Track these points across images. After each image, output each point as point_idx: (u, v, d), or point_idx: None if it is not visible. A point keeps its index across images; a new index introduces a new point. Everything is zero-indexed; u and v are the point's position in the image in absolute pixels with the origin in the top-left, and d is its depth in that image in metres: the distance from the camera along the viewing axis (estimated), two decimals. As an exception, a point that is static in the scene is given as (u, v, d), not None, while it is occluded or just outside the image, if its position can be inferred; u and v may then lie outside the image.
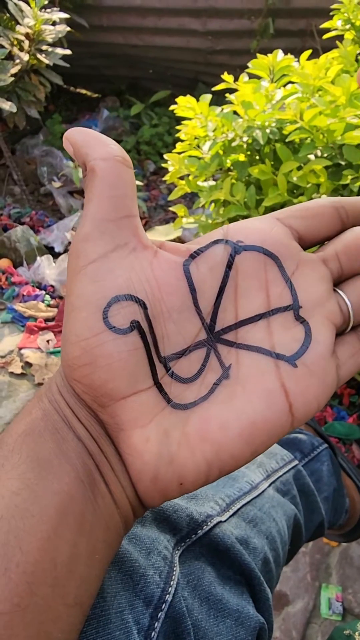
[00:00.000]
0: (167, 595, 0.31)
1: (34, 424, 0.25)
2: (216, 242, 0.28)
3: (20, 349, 1.71)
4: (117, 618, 0.28)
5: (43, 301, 1.93)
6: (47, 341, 1.72)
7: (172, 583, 0.32)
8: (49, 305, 1.92)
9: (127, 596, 0.30)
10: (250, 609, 0.36)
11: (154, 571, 0.32)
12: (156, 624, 0.30)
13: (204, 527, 0.38)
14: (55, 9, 2.09)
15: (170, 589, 0.32)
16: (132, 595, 0.30)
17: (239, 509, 0.43)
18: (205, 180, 1.11)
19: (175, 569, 0.33)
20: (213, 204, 1.11)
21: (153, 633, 0.30)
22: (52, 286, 1.99)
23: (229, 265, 0.27)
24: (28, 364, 1.65)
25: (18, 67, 1.92)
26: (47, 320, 1.83)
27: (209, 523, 0.38)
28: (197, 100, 1.06)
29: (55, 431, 0.25)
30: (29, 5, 1.95)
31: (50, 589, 0.22)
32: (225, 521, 0.40)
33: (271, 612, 0.39)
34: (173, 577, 0.33)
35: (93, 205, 0.26)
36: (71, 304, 0.26)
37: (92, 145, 0.27)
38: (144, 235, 0.27)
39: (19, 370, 1.61)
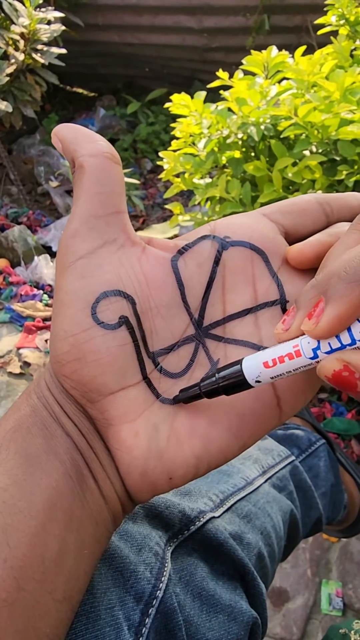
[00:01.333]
0: (158, 591, 0.31)
1: (22, 420, 0.25)
2: (203, 237, 0.28)
3: (18, 348, 1.71)
4: (107, 614, 0.28)
5: (41, 301, 1.93)
6: (46, 340, 1.72)
7: (163, 579, 0.32)
8: (46, 305, 1.91)
9: (118, 592, 0.30)
10: (243, 604, 0.36)
11: (145, 567, 0.32)
12: (147, 620, 0.30)
13: (197, 523, 0.38)
14: (50, 8, 2.08)
15: (161, 584, 0.32)
16: (123, 592, 0.30)
17: (233, 505, 0.43)
18: (200, 178, 1.11)
19: (166, 565, 0.33)
20: (209, 202, 1.11)
21: (144, 629, 0.30)
22: (49, 285, 1.99)
23: (217, 261, 0.28)
24: (26, 364, 1.65)
25: (13, 67, 1.92)
26: (45, 319, 1.83)
27: (202, 519, 0.38)
28: (193, 97, 1.06)
29: (43, 427, 0.25)
30: (23, 4, 1.95)
31: (38, 584, 0.22)
32: (218, 517, 0.40)
33: (265, 607, 0.39)
34: (164, 573, 0.33)
35: (81, 201, 0.26)
36: (60, 299, 0.26)
37: (81, 142, 0.27)
38: (132, 232, 0.27)
39: (17, 370, 1.61)
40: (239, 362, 0.24)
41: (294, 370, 0.23)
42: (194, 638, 0.33)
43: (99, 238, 0.26)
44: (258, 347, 0.27)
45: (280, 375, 0.23)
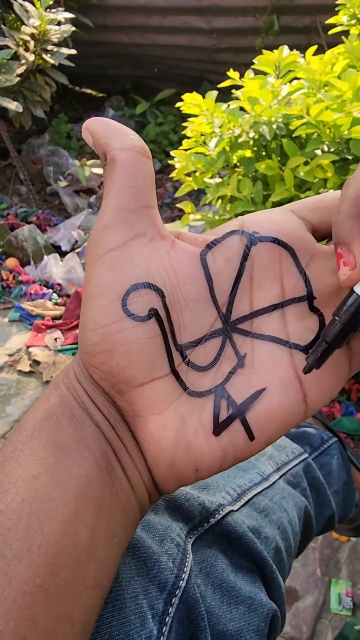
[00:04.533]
0: (181, 581, 0.32)
1: (52, 410, 0.26)
2: (232, 232, 0.28)
3: (28, 347, 1.72)
4: (132, 602, 0.29)
5: (50, 299, 1.94)
6: (55, 339, 1.73)
7: (185, 569, 0.33)
8: (56, 304, 1.92)
9: (142, 582, 0.30)
10: (262, 596, 0.37)
11: (168, 558, 0.32)
12: (170, 609, 0.31)
13: (216, 516, 0.38)
14: (60, 9, 2.10)
15: (183, 575, 0.32)
16: (146, 581, 0.31)
17: (250, 499, 0.44)
18: (212, 177, 1.11)
19: (188, 556, 0.34)
20: (220, 200, 1.11)
21: (167, 618, 0.30)
22: (59, 284, 2.00)
23: (245, 256, 0.28)
24: (36, 362, 1.66)
25: (24, 68, 1.93)
26: (54, 318, 1.84)
27: (221, 512, 0.39)
28: (203, 97, 1.06)
29: (72, 417, 0.26)
30: (34, 5, 1.96)
31: (70, 570, 0.22)
32: (236, 510, 0.41)
33: (284, 600, 0.39)
34: (186, 563, 0.33)
35: (113, 194, 0.26)
36: (90, 291, 0.26)
37: (113, 136, 0.27)
38: (162, 226, 0.28)
39: (27, 369, 1.62)
40: (349, 294, 0.25)
41: None
42: (216, 629, 0.33)
43: (130, 231, 0.26)
44: (285, 343, 0.27)
45: None
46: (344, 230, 0.23)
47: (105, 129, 0.27)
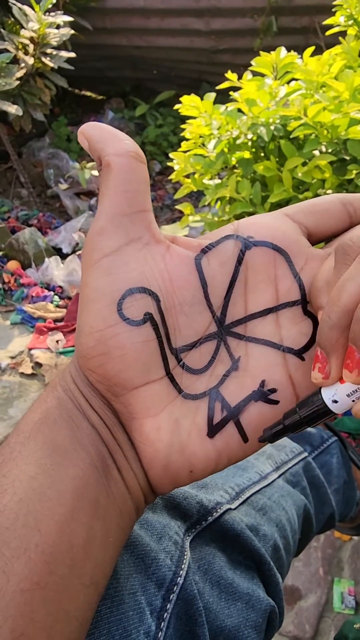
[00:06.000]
0: (179, 578, 0.32)
1: (49, 412, 0.26)
2: (227, 237, 0.28)
3: (30, 349, 1.72)
4: (131, 599, 0.29)
5: (52, 302, 1.94)
6: (57, 341, 1.73)
7: (183, 567, 0.33)
8: (57, 306, 1.93)
9: (140, 578, 0.31)
10: (260, 593, 0.37)
11: (165, 555, 0.33)
12: (168, 606, 0.31)
13: (214, 514, 0.39)
14: (59, 12, 2.10)
15: (181, 572, 0.33)
16: (145, 578, 0.31)
17: (248, 498, 0.44)
18: (210, 178, 1.12)
19: (186, 553, 0.34)
20: (219, 202, 1.11)
21: (165, 614, 0.31)
22: (60, 287, 2.01)
23: (240, 260, 0.28)
24: (38, 364, 1.66)
25: (23, 71, 1.94)
26: (56, 320, 1.85)
27: (219, 510, 0.39)
28: (202, 99, 1.06)
29: (69, 419, 0.26)
30: (33, 9, 1.97)
31: (67, 569, 0.23)
32: (235, 509, 0.41)
33: (282, 596, 0.40)
34: (184, 561, 0.33)
35: (108, 199, 0.27)
36: (86, 295, 0.26)
37: (107, 141, 0.27)
38: (157, 230, 0.28)
39: (29, 371, 1.63)
40: (317, 391, 0.25)
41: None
42: (214, 624, 0.33)
43: (125, 236, 0.26)
44: (278, 346, 0.28)
45: (356, 391, 0.24)
46: (328, 339, 0.23)
47: (100, 134, 0.28)
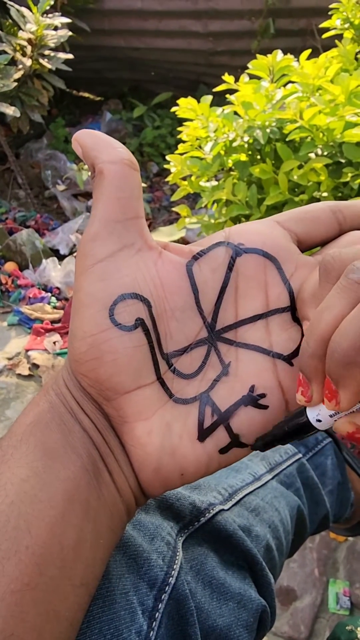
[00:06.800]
0: (171, 578, 0.33)
1: (41, 415, 0.26)
2: (218, 244, 0.29)
3: (27, 350, 1.72)
4: (122, 599, 0.30)
5: (49, 303, 1.95)
6: (54, 343, 1.74)
7: (175, 567, 0.33)
8: (54, 307, 1.93)
9: (132, 579, 0.31)
10: (252, 593, 0.37)
11: (158, 555, 0.33)
12: (160, 605, 0.31)
13: (207, 515, 0.39)
14: (57, 13, 2.11)
15: (173, 572, 0.33)
16: (137, 578, 0.31)
17: (241, 499, 0.44)
18: (207, 181, 1.12)
19: (178, 554, 0.34)
20: (215, 204, 1.12)
21: (157, 614, 0.31)
22: (57, 288, 2.01)
23: (230, 267, 0.28)
24: (35, 366, 1.67)
25: (21, 72, 1.94)
26: (53, 322, 1.85)
27: (212, 511, 0.40)
28: (199, 101, 1.07)
29: (61, 422, 0.26)
30: (30, 10, 1.97)
31: (58, 570, 0.23)
32: (227, 510, 0.41)
33: (274, 596, 0.40)
34: (176, 561, 0.34)
35: (101, 206, 0.27)
36: (79, 300, 0.27)
37: (101, 148, 0.28)
38: (149, 236, 0.28)
39: (26, 372, 1.63)
40: (303, 410, 0.26)
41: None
42: (205, 624, 0.34)
43: (118, 242, 0.27)
44: (268, 352, 0.28)
45: (338, 412, 0.24)
46: (308, 367, 0.24)
47: (93, 142, 0.28)
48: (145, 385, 0.27)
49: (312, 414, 0.25)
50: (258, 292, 0.28)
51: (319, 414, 0.25)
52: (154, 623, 0.31)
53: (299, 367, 0.25)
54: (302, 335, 0.28)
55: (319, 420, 0.25)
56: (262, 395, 0.27)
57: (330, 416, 0.24)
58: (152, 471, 0.27)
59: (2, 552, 0.22)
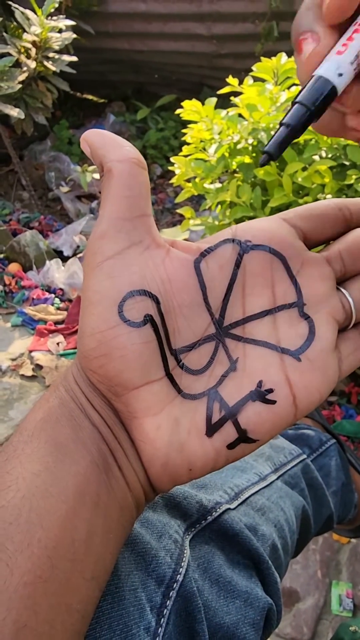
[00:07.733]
0: (178, 576, 0.33)
1: (51, 411, 0.27)
2: (225, 241, 0.29)
3: (30, 351, 1.73)
4: (131, 595, 0.30)
5: (52, 304, 1.95)
6: (57, 344, 1.74)
7: (183, 564, 0.34)
8: (58, 309, 1.94)
9: (140, 575, 0.31)
10: (258, 591, 0.38)
11: (165, 553, 0.33)
12: (168, 602, 0.32)
13: (213, 514, 0.39)
14: (61, 16, 2.11)
15: (181, 569, 0.33)
16: (145, 575, 0.32)
17: (247, 498, 0.45)
18: (211, 183, 1.13)
19: (185, 551, 0.35)
20: (219, 206, 1.12)
21: (165, 610, 0.31)
22: (61, 289, 2.01)
23: (237, 264, 0.29)
24: (38, 367, 1.67)
25: (25, 75, 1.95)
26: (56, 323, 1.85)
27: (218, 510, 0.40)
28: (203, 104, 1.07)
29: (71, 418, 0.27)
30: (35, 13, 1.98)
31: (69, 563, 0.24)
32: (234, 509, 0.42)
33: (280, 595, 0.40)
34: (184, 559, 0.34)
35: (109, 204, 0.27)
36: (88, 298, 0.27)
37: (109, 147, 0.28)
38: (157, 234, 0.29)
39: (29, 373, 1.63)
40: (316, 79, 0.25)
41: None
42: (212, 622, 0.34)
43: (126, 240, 0.27)
44: (276, 348, 0.28)
45: (357, 56, 0.24)
46: (306, 19, 0.24)
47: (101, 141, 0.28)
48: (154, 381, 0.27)
49: (331, 70, 0.24)
50: (265, 288, 0.29)
51: (339, 67, 0.24)
52: (162, 620, 0.31)
53: (294, 33, 0.25)
54: (309, 330, 0.28)
55: (341, 75, 0.24)
56: (270, 391, 0.28)
57: (351, 64, 0.24)
58: (161, 466, 0.27)
59: (15, 545, 0.23)
